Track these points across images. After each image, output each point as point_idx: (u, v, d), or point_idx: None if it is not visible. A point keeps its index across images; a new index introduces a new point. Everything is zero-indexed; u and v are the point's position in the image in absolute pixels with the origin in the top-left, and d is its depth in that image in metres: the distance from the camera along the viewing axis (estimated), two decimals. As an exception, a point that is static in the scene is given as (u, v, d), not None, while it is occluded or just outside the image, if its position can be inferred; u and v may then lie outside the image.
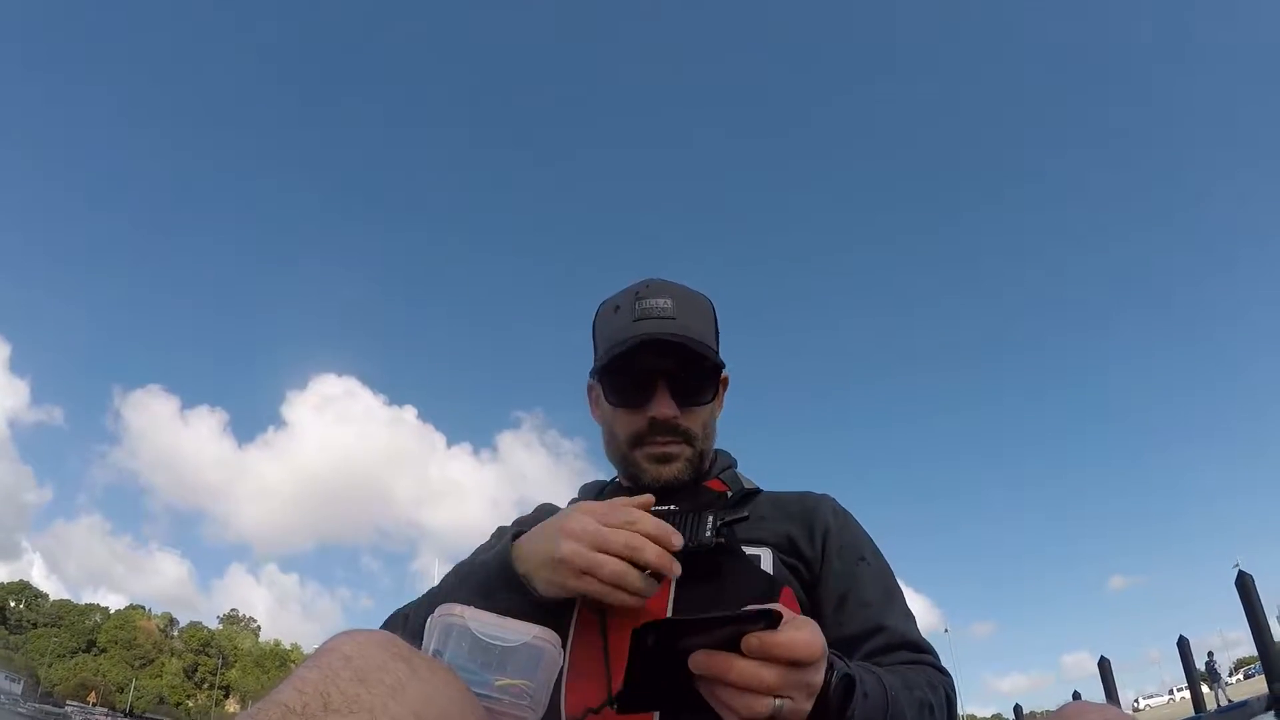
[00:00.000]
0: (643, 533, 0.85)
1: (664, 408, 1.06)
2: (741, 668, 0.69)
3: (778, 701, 0.70)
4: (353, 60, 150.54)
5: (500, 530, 1.21)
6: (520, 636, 0.68)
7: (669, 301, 1.08)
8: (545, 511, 1.20)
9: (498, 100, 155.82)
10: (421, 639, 0.73)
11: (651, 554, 0.84)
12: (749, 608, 0.71)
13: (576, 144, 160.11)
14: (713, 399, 1.12)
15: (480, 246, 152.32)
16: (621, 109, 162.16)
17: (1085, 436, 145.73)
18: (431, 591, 1.01)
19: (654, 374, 1.06)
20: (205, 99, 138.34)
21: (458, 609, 0.68)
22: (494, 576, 0.90)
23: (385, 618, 1.06)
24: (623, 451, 1.11)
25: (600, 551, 0.83)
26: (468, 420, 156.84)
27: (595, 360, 1.15)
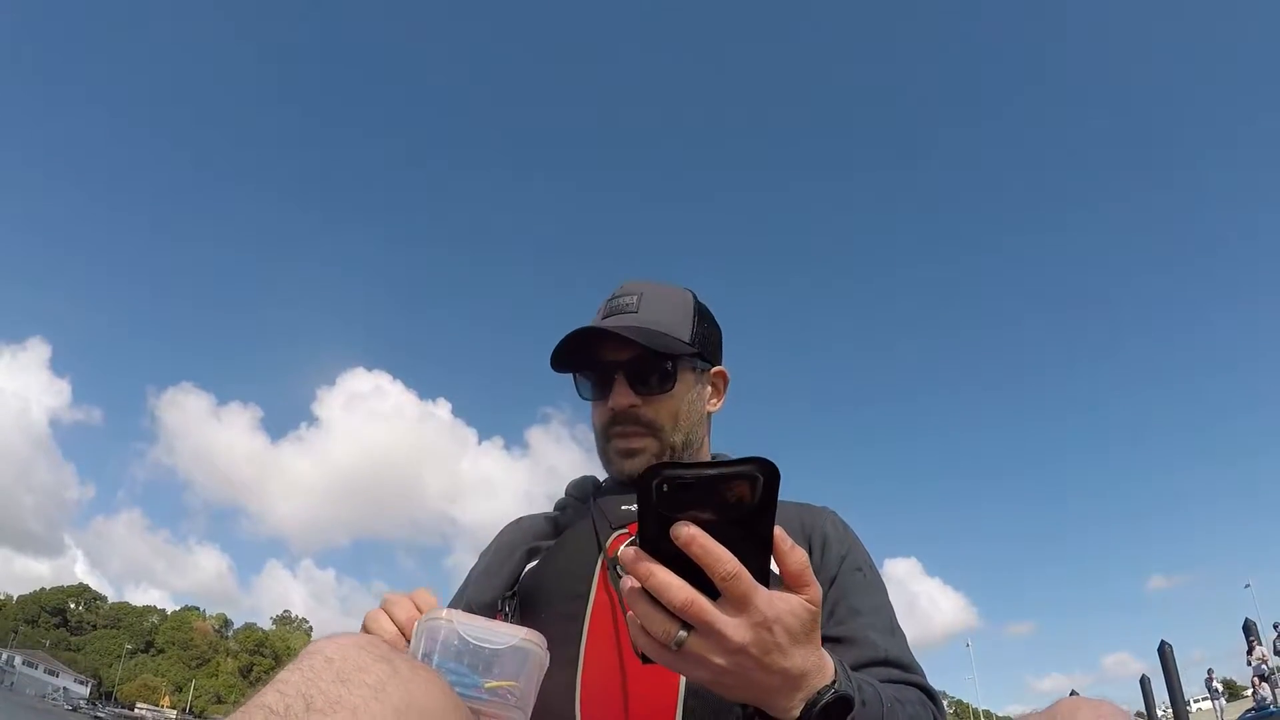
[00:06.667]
0: None
1: (620, 398, 1.06)
2: (660, 576, 0.56)
3: (681, 633, 0.57)
4: (385, 67, 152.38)
5: (521, 521, 1.18)
6: (508, 639, 0.68)
7: (635, 298, 1.10)
8: (589, 484, 1.19)
9: (529, 107, 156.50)
10: None
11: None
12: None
13: (606, 149, 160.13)
14: (673, 388, 1.08)
15: (509, 246, 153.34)
16: (648, 118, 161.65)
17: (1140, 441, 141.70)
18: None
19: (611, 365, 1.07)
20: (240, 102, 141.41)
21: (444, 612, 0.68)
22: None
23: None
24: (600, 444, 1.13)
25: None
26: (498, 416, 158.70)
27: None
